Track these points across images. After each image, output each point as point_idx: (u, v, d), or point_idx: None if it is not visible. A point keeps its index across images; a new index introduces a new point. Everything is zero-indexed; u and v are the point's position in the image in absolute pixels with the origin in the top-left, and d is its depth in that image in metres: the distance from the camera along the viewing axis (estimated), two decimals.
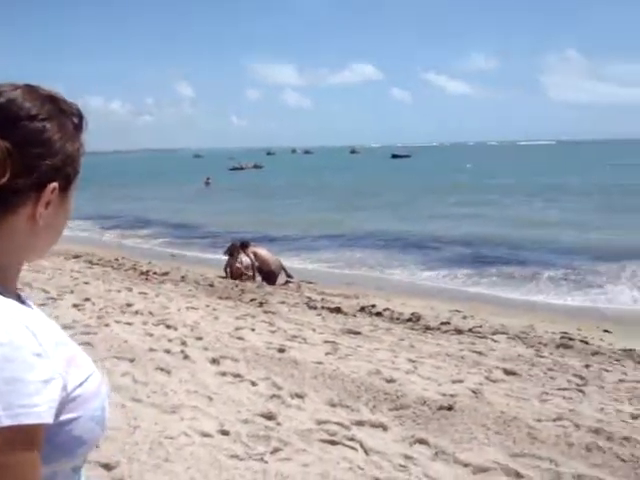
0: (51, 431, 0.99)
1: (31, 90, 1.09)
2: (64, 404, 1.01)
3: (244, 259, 14.47)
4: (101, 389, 1.12)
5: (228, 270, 14.59)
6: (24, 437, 0.92)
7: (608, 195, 37.51)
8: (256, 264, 14.47)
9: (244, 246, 14.81)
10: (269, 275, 14.43)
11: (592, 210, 29.95)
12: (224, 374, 6.53)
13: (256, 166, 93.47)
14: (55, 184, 1.09)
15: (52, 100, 1.11)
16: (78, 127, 1.14)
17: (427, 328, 9.32)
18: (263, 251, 14.93)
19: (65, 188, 1.12)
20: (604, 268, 16.66)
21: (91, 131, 1.15)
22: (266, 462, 4.59)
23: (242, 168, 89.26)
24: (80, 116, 1.15)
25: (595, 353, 8.32)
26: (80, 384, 1.05)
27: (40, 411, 0.94)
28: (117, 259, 16.67)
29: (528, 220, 26.86)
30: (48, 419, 0.96)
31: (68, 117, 1.13)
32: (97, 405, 1.09)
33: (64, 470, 1.07)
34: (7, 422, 0.90)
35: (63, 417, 1.02)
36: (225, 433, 5.08)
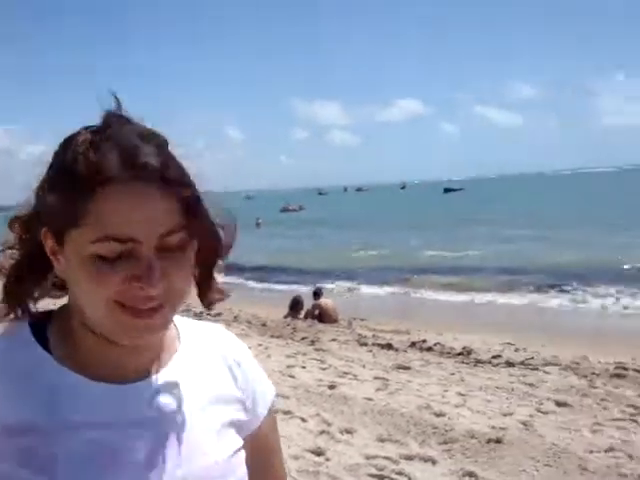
0: None
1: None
2: None
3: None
4: None
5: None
6: None
7: None
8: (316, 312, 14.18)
9: (317, 294, 14.61)
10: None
11: None
12: (275, 411, 6.62)
13: (300, 207, 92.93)
14: (45, 229, 1.02)
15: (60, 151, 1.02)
16: (74, 180, 0.96)
17: (478, 362, 9.29)
18: (329, 303, 14.54)
19: (58, 239, 1.00)
20: None
21: None
22: None
23: (289, 210, 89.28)
24: (75, 174, 0.96)
25: None
26: None
27: None
28: None
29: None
30: None
31: (63, 169, 0.99)
32: None
33: None
34: None
35: None
36: None
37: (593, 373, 8.59)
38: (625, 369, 8.88)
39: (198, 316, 13.68)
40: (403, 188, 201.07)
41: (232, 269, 27.02)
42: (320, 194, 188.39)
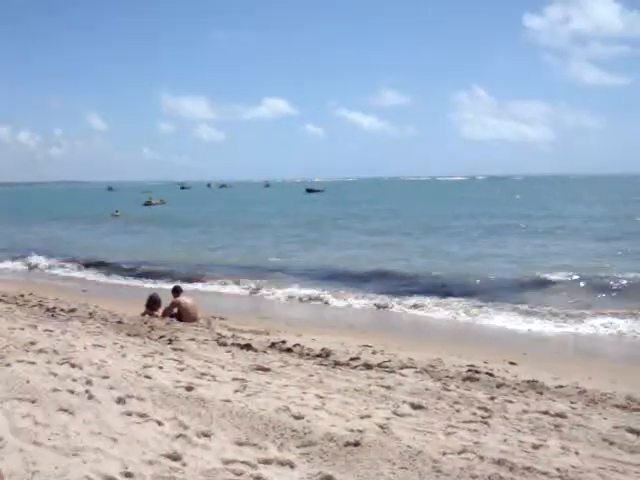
0: None
1: None
2: None
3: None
4: None
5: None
6: None
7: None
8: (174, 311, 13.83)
9: (176, 292, 14.31)
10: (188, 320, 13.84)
11: None
12: (130, 414, 6.39)
13: (162, 201, 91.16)
14: None
15: None
16: None
17: (337, 364, 9.36)
18: (188, 301, 14.19)
19: None
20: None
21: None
22: None
23: (152, 204, 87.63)
24: None
25: (500, 385, 8.50)
26: None
27: None
28: (22, 295, 16.19)
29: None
30: None
31: None
32: None
33: None
34: None
35: None
36: (129, 475, 4.96)
37: (447, 376, 8.85)
38: (477, 372, 9.20)
39: (51, 311, 13.17)
40: (267, 186, 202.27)
41: (88, 265, 26.24)
42: (183, 188, 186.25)
